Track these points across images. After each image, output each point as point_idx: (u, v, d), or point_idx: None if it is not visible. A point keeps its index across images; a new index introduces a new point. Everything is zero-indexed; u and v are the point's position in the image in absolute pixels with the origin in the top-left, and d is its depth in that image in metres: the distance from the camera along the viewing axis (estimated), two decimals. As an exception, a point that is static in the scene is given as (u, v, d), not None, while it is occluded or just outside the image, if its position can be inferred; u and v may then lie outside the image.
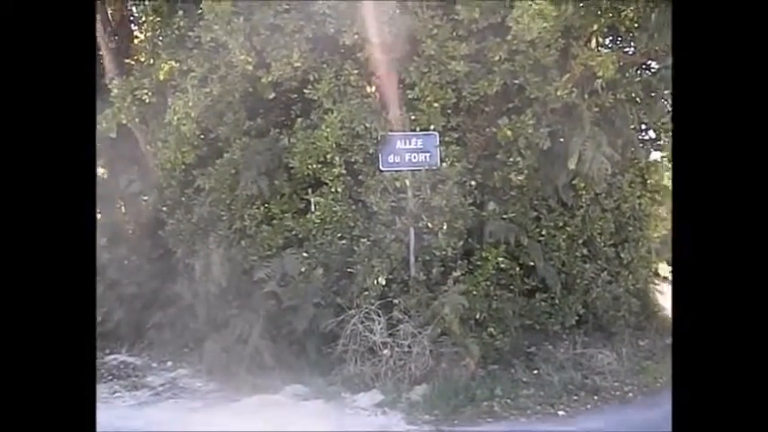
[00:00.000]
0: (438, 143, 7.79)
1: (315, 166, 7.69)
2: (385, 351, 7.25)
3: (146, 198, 8.32)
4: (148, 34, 7.80)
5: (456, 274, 7.72)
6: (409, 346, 7.15)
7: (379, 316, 7.51)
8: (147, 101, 7.99)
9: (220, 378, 7.31)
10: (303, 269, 7.78)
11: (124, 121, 8.13)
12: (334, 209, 7.80)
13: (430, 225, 7.80)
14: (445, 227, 7.78)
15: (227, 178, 7.98)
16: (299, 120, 7.95)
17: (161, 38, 7.89)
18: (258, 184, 7.82)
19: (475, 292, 7.76)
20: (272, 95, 8.01)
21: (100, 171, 8.96)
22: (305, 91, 7.78)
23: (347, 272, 7.86)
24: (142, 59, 8.26)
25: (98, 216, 9.36)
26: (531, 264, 8.07)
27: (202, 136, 8.18)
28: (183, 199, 8.38)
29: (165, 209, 8.42)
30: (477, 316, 7.77)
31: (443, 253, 7.71)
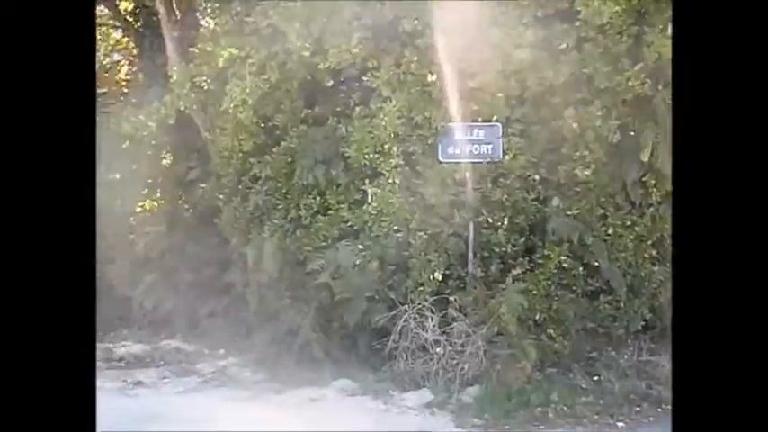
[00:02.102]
0: (500, 135, 7.50)
1: (372, 156, 7.54)
2: (437, 349, 7.06)
3: (203, 186, 8.44)
4: (209, 21, 7.93)
5: (515, 272, 7.44)
6: (462, 346, 6.96)
7: (433, 312, 7.29)
8: (206, 88, 8.07)
9: (269, 369, 7.30)
10: (357, 261, 7.62)
11: (183, 108, 8.27)
12: (390, 200, 7.61)
13: (490, 220, 7.53)
14: (506, 222, 7.50)
15: (283, 167, 7.92)
16: (358, 108, 7.80)
17: (220, 24, 7.99)
18: (314, 173, 7.74)
19: (535, 292, 7.46)
20: (330, 83, 7.99)
21: (163, 159, 9.24)
22: (363, 79, 7.63)
23: (402, 266, 7.67)
24: (202, 47, 8.40)
25: (159, 203, 9.66)
26: (596, 264, 7.63)
27: (261, 124, 8.09)
28: (240, 187, 8.31)
29: (221, 197, 8.41)
30: (537, 317, 7.47)
31: (503, 249, 7.45)
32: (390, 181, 7.69)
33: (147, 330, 8.83)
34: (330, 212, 7.86)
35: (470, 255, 7.66)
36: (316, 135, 7.81)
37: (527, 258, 7.68)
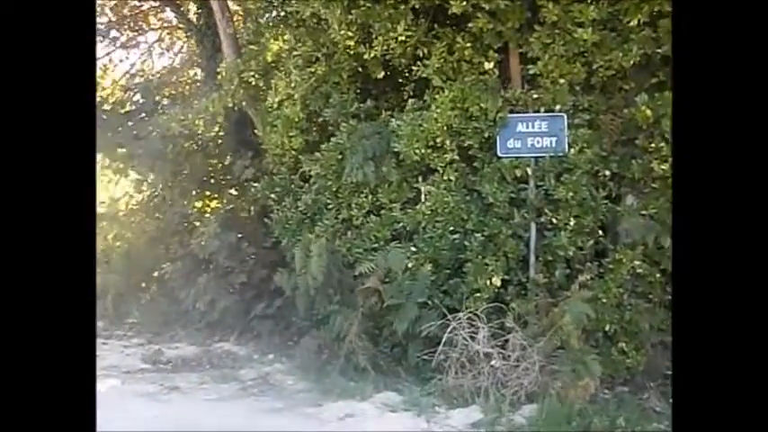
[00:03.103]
0: (565, 126, 6.76)
1: (423, 151, 6.91)
2: (491, 362, 6.53)
3: (256, 185, 8.16)
4: (253, 14, 7.63)
5: (582, 278, 6.65)
6: (518, 360, 6.32)
7: (490, 321, 6.73)
8: (254, 83, 7.78)
9: (312, 377, 6.86)
10: (410, 265, 7.13)
11: (231, 105, 7.98)
12: (445, 199, 6.98)
13: (554, 220, 6.77)
14: (572, 223, 6.70)
15: (332, 164, 7.45)
16: (411, 101, 7.26)
17: (264, 17, 7.66)
18: (364, 170, 7.21)
19: (604, 301, 6.64)
20: (381, 75, 7.54)
21: (217, 158, 9.06)
22: (413, 68, 7.09)
23: (458, 270, 7.14)
24: (249, 41, 8.10)
25: (214, 203, 9.50)
26: None
27: (312, 119, 7.76)
28: (293, 186, 7.95)
29: (273, 196, 8.03)
30: (607, 328, 6.73)
31: (568, 253, 6.68)
32: (445, 178, 7.07)
33: (203, 332, 8.60)
34: (382, 212, 7.33)
35: (532, 258, 6.95)
36: (366, 130, 7.27)
37: (596, 263, 6.86)
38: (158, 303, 9.24)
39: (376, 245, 7.30)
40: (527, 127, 6.92)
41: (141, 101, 9.50)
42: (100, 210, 10.14)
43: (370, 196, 7.40)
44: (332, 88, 7.45)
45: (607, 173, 6.92)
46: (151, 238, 9.68)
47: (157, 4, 10.42)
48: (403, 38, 6.70)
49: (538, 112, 6.94)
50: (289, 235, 7.87)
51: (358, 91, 7.59)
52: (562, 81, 6.75)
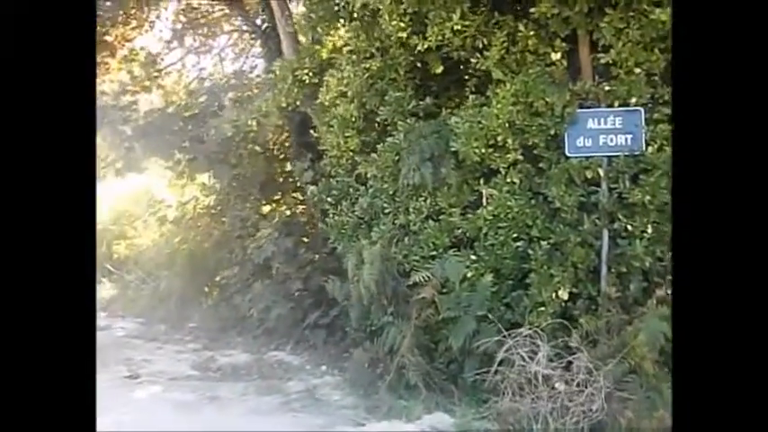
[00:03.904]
0: (642, 121, 6.02)
1: (484, 150, 6.26)
2: (554, 385, 5.92)
3: (313, 188, 7.77)
4: (305, 9, 7.23)
5: (661, 292, 5.92)
6: (583, 384, 5.64)
7: (555, 339, 6.08)
8: (308, 81, 7.41)
9: (360, 393, 6.37)
10: (469, 274, 6.56)
11: (284, 105, 7.58)
12: (508, 203, 6.30)
13: (629, 227, 6.00)
14: (650, 230, 5.93)
15: (388, 166, 6.88)
16: (472, 97, 6.62)
17: (315, 11, 7.23)
18: (421, 172, 6.62)
19: None
20: (440, 69, 6.99)
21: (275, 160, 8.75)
22: (472, 60, 6.50)
23: (521, 281, 6.43)
24: (302, 37, 7.74)
25: (269, 207, 9.19)
26: None
27: (368, 118, 7.18)
28: (350, 189, 7.45)
29: (330, 199, 7.56)
30: None
31: (645, 264, 5.91)
32: (508, 180, 6.40)
33: (259, 340, 8.27)
34: (441, 217, 6.72)
35: (603, 270, 6.18)
36: (424, 129, 6.69)
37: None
38: (219, 309, 9.00)
39: (434, 252, 6.67)
40: (599, 123, 6.18)
41: (205, 104, 9.38)
42: (168, 213, 10.13)
43: (428, 200, 6.78)
44: (388, 85, 6.89)
45: (691, 174, 6.17)
46: (216, 243, 9.50)
47: (229, 10, 10.31)
48: (459, 27, 6.07)
49: (611, 106, 6.18)
50: (344, 240, 7.39)
51: (416, 87, 6.99)
52: (638, 71, 5.96)
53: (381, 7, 6.17)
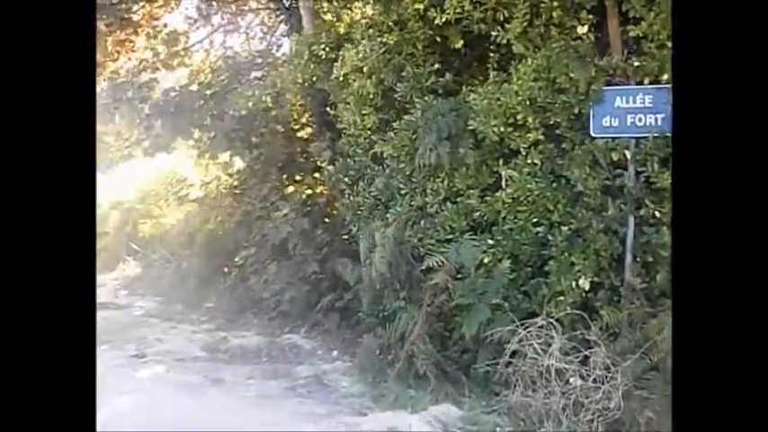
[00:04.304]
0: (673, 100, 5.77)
1: (503, 129, 5.84)
2: (570, 380, 5.51)
3: (330, 168, 7.47)
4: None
5: (689, 283, 5.67)
6: (600, 380, 5.27)
7: (574, 330, 5.72)
8: (324, 57, 7.07)
9: (369, 380, 6.07)
10: (487, 260, 6.16)
11: (301, 81, 7.27)
12: (528, 186, 5.88)
13: (657, 214, 5.54)
14: (680, 217, 5.69)
15: (405, 145, 6.50)
16: (493, 74, 6.21)
17: None
18: (438, 151, 6.24)
19: None
20: (460, 44, 6.58)
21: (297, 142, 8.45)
22: (492, 34, 6.11)
23: (540, 268, 6.02)
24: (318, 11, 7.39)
25: (293, 188, 8.90)
26: None
27: (386, 95, 6.78)
28: (367, 169, 7.10)
29: (346, 180, 7.21)
30: None
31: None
32: (528, 161, 5.98)
33: (276, 321, 8.01)
34: (458, 199, 6.34)
35: (628, 258, 5.74)
36: (442, 106, 6.28)
37: (709, 266, 5.73)
38: (236, 290, 8.76)
39: (450, 236, 6.29)
40: (627, 101, 5.70)
41: (227, 82, 9.13)
42: (190, 192, 9.94)
43: (446, 181, 6.39)
44: (405, 60, 6.49)
45: (726, 157, 5.69)
46: (237, 223, 9.25)
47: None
48: (478, -2, 5.71)
49: (641, 83, 5.70)
50: (360, 222, 7.06)
51: (436, 63, 6.56)
52: (670, 45, 5.53)
53: (397, -22, 5.81)
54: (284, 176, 8.75)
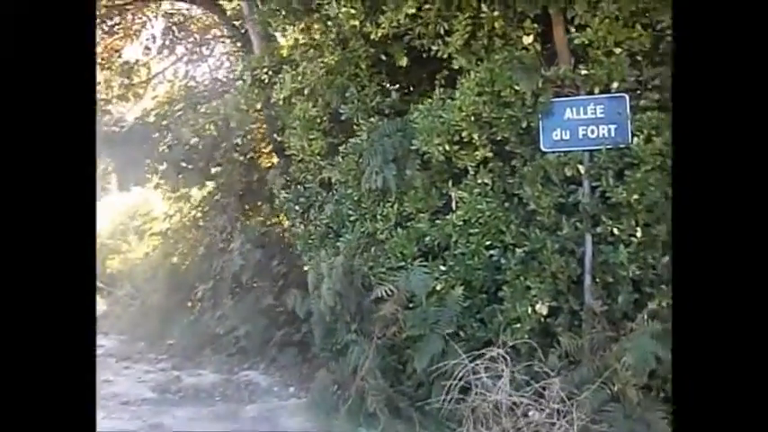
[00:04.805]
0: (627, 109, 5.03)
1: (448, 148, 5.34)
2: (528, 413, 4.96)
3: (287, 195, 6.93)
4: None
5: (652, 305, 4.94)
6: (557, 414, 4.73)
7: (532, 358, 5.17)
8: (267, 81, 6.56)
9: (322, 418, 5.49)
10: (439, 287, 5.61)
11: (243, 107, 6.78)
12: (479, 206, 5.37)
13: (615, 231, 4.99)
14: (639, 234, 4.92)
15: (352, 169, 5.98)
16: (439, 91, 5.64)
17: (268, 5, 6.33)
18: (384, 174, 5.77)
19: None
20: (404, 62, 6.08)
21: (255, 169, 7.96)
22: (432, 48, 5.60)
23: (495, 294, 5.52)
24: (260, 32, 6.89)
25: (248, 218, 8.38)
26: None
27: (333, 118, 6.24)
28: (318, 196, 6.50)
29: (297, 207, 6.64)
30: None
31: (635, 273, 4.93)
32: (479, 181, 5.48)
33: (235, 358, 7.41)
34: (409, 224, 5.83)
35: (587, 280, 5.18)
36: (387, 127, 5.77)
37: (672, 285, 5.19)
38: (197, 325, 8.14)
39: (402, 263, 5.74)
40: (577, 113, 5.21)
41: (182, 112, 8.67)
42: (153, 226, 9.44)
43: (396, 205, 5.85)
44: (349, 80, 6.01)
45: (686, 168, 5.17)
46: (199, 256, 8.73)
47: (216, 17, 9.60)
48: (414, 11, 5.22)
49: (591, 93, 5.18)
50: (312, 251, 6.56)
51: (381, 83, 6.10)
52: (618, 51, 4.95)
53: (331, -7, 5.32)
54: (243, 206, 8.26)
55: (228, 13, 8.81)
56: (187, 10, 9.75)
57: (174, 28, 9.90)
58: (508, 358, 4.71)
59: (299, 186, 6.77)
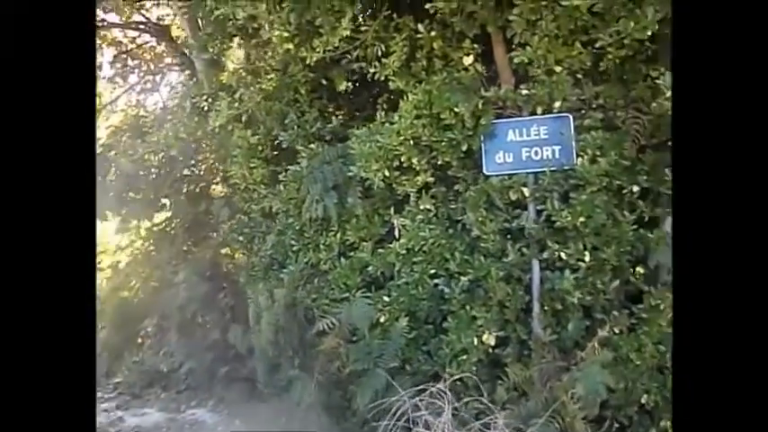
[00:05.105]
0: (571, 129, 4.73)
1: (387, 173, 5.02)
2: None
3: (231, 226, 6.56)
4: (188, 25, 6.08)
5: (603, 332, 4.65)
6: (501, 453, 4.40)
7: (480, 392, 4.79)
8: (207, 108, 6.27)
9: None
10: (383, 319, 5.27)
11: (183, 135, 6.42)
12: (422, 233, 5.04)
13: (563, 255, 4.66)
14: (587, 258, 4.58)
15: (292, 198, 5.65)
16: (381, 115, 5.33)
17: (204, 30, 6.04)
18: (324, 203, 5.50)
19: (638, 363, 4.70)
20: (343, 86, 5.78)
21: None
22: (369, 70, 5.23)
23: (441, 325, 5.22)
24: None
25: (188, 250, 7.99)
26: None
27: (275, 146, 5.92)
28: (262, 226, 6.14)
29: (241, 238, 6.32)
30: (644, 401, 4.73)
31: (585, 299, 4.60)
32: (421, 207, 5.17)
33: (184, 395, 6.98)
34: (352, 254, 5.52)
35: (536, 308, 4.85)
36: (328, 154, 5.46)
37: (624, 312, 4.76)
38: (146, 362, 7.74)
39: (346, 294, 5.39)
40: (520, 134, 4.91)
41: (129, 141, 8.31)
42: (104, 260, 8.97)
43: (338, 234, 5.54)
44: (288, 106, 5.70)
45: (634, 189, 4.79)
46: (149, 289, 8.34)
47: (165, 47, 9.31)
48: (347, 32, 4.89)
49: (534, 114, 4.88)
50: (256, 284, 6.18)
51: (322, 108, 5.80)
52: (559, 69, 4.65)
53: (260, 16, 4.99)
54: (191, 238, 7.88)
55: (179, 40, 8.48)
56: (139, 37, 9.41)
57: (126, 56, 9.57)
58: (449, 393, 4.35)
59: (242, 217, 6.46)
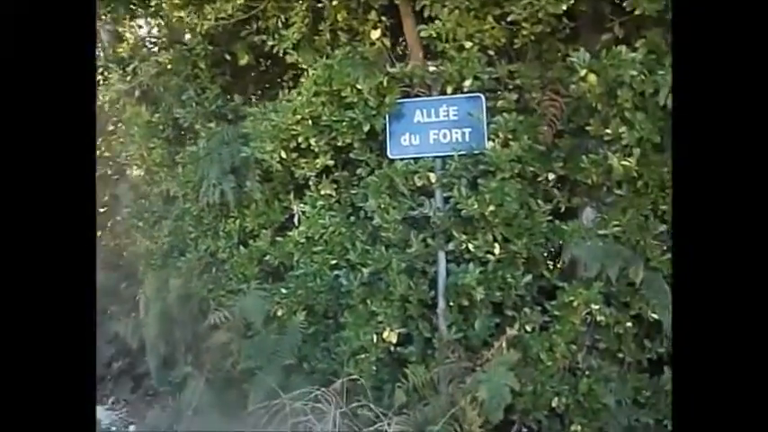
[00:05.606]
0: (483, 110, 4.20)
1: (284, 155, 4.41)
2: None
3: (127, 210, 5.93)
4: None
5: (512, 331, 4.19)
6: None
7: (377, 395, 4.30)
8: (102, 82, 5.57)
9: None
10: (280, 312, 4.71)
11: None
12: (322, 221, 4.49)
13: (470, 248, 4.12)
14: (497, 250, 4.09)
15: (189, 181, 5.00)
16: (282, 93, 4.72)
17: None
18: (222, 186, 4.89)
19: (548, 363, 4.21)
20: (245, 60, 5.20)
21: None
22: (269, 43, 4.63)
23: (339, 320, 4.69)
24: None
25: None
26: (654, 316, 4.06)
27: (176, 125, 5.26)
28: (162, 211, 5.56)
29: (141, 224, 5.63)
30: (554, 403, 4.26)
31: (494, 294, 4.10)
32: (322, 193, 4.61)
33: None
34: (250, 242, 4.93)
35: (441, 303, 4.32)
36: (227, 133, 4.83)
37: (537, 308, 4.31)
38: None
39: (244, 285, 4.78)
40: (427, 115, 4.35)
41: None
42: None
43: (238, 221, 4.96)
44: (187, 81, 5.09)
45: (550, 176, 4.26)
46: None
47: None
48: (242, 0, 4.35)
49: (444, 93, 4.33)
50: (153, 272, 5.58)
51: (224, 85, 5.15)
52: (470, 45, 4.12)
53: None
54: (99, 224, 7.17)
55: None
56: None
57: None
58: (337, 398, 3.82)
59: (143, 200, 5.82)
